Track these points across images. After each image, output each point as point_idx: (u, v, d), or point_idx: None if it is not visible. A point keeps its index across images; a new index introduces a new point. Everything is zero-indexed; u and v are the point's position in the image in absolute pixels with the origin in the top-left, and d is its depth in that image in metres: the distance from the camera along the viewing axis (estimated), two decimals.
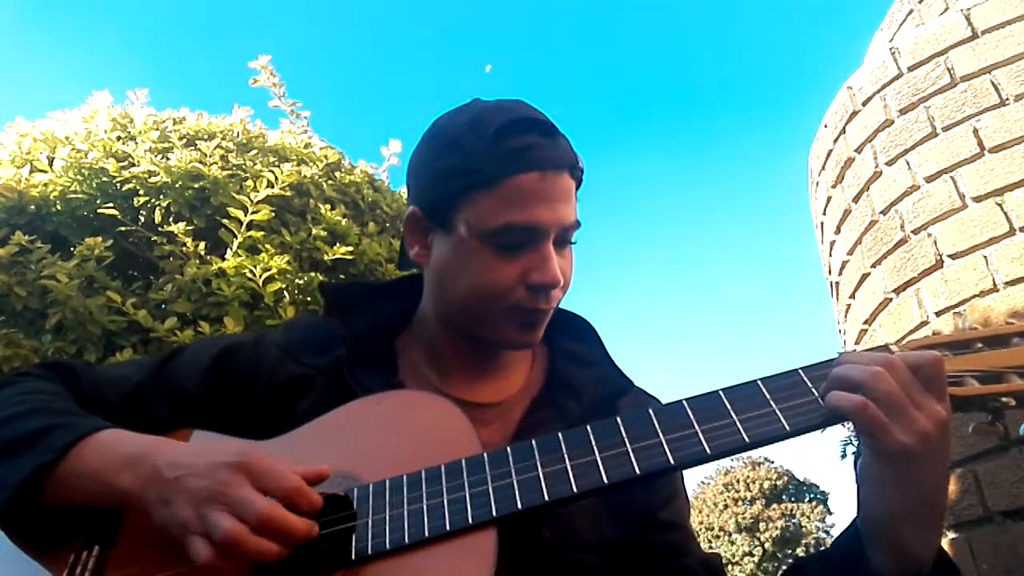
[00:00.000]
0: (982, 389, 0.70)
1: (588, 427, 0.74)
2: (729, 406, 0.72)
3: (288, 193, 2.51)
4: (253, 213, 2.33)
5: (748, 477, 26.53)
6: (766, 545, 25.08)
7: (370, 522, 0.72)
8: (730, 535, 25.67)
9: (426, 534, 0.69)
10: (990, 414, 0.72)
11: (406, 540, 0.69)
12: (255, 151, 2.69)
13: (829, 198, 2.80)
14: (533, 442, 0.74)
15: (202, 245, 2.29)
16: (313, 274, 2.36)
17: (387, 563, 0.70)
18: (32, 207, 2.35)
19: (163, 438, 0.78)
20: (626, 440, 0.72)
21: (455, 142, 0.85)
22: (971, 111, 2.26)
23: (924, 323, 2.23)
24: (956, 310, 2.14)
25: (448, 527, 0.69)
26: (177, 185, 2.37)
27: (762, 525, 25.41)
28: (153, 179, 2.37)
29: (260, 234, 2.35)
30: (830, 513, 26.42)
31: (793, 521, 25.80)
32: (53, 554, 0.77)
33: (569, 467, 0.71)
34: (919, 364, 0.68)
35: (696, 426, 0.71)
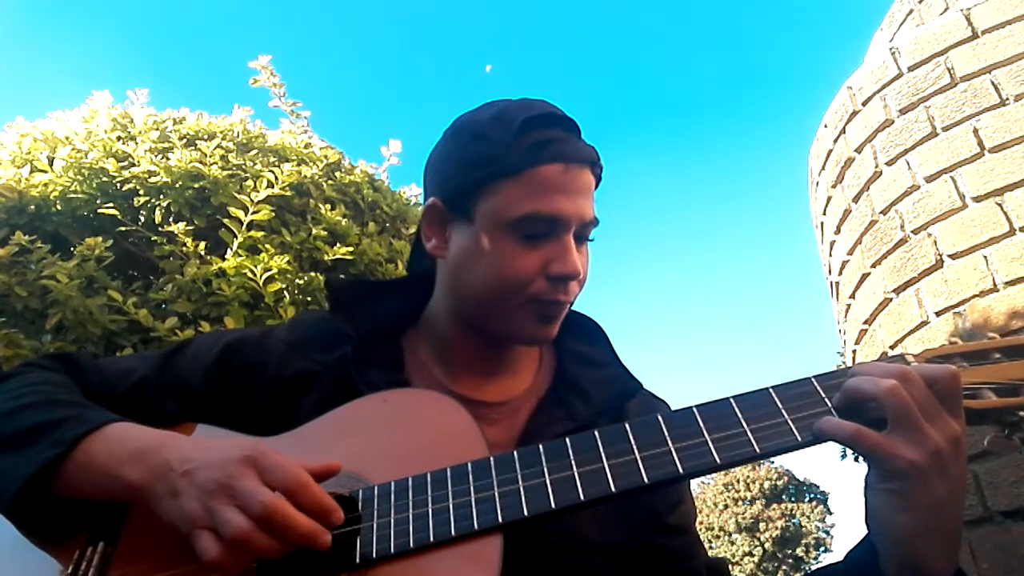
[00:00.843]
0: (999, 402, 0.68)
1: (596, 433, 0.73)
2: (740, 415, 0.70)
3: (288, 193, 2.51)
4: (253, 213, 2.33)
5: (748, 477, 26.53)
6: (766, 545, 25.08)
7: (375, 525, 0.71)
8: (730, 535, 25.67)
9: (431, 539, 0.69)
10: (1007, 428, 0.69)
11: (411, 545, 0.69)
12: (255, 151, 2.69)
13: (829, 198, 2.81)
14: (540, 447, 0.74)
15: (202, 245, 2.29)
16: (313, 274, 2.36)
17: (392, 567, 0.69)
18: (32, 207, 2.35)
19: (171, 432, 0.77)
20: (635, 448, 0.71)
21: (480, 134, 0.86)
22: (971, 111, 2.26)
23: (924, 323, 2.23)
24: (956, 310, 2.14)
25: (453, 532, 0.69)
26: (177, 185, 2.37)
27: (762, 525, 25.41)
28: (153, 179, 2.37)
29: (260, 234, 2.35)
30: (830, 513, 26.44)
31: (793, 521, 25.80)
32: (59, 546, 0.77)
33: (576, 474, 0.70)
34: (935, 378, 0.66)
35: (706, 435, 0.70)
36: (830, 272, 2.96)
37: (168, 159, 2.44)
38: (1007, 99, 2.21)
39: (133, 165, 2.42)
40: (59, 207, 2.36)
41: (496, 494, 0.70)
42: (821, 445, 0.69)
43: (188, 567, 0.69)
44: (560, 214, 0.83)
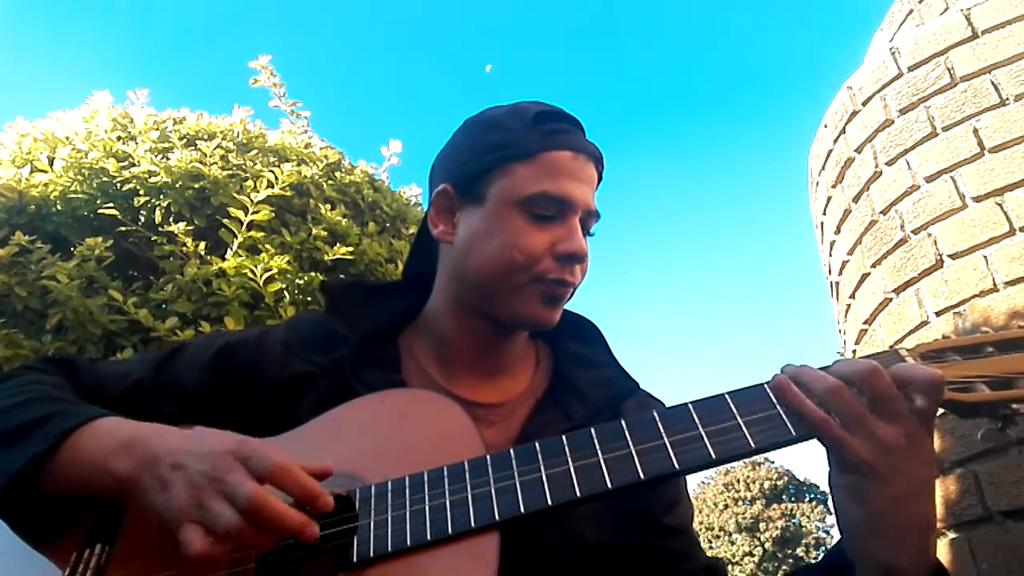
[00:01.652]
0: (992, 395, 0.68)
1: (592, 430, 0.74)
2: (735, 409, 0.71)
3: (288, 193, 2.51)
4: (253, 213, 2.33)
5: (748, 477, 26.52)
6: (766, 545, 25.07)
7: (372, 523, 0.71)
8: (730, 535, 25.66)
9: (428, 537, 0.69)
10: (1000, 420, 0.69)
11: (408, 543, 0.69)
12: (255, 151, 2.69)
13: (829, 198, 2.81)
14: (536, 444, 0.74)
15: (202, 245, 2.29)
16: (313, 274, 2.36)
17: (388, 565, 0.69)
18: (32, 207, 2.35)
19: (161, 425, 0.77)
20: (630, 443, 0.71)
21: (495, 125, 0.92)
22: (971, 111, 2.26)
23: (924, 323, 2.23)
24: (956, 310, 2.14)
25: (450, 530, 0.69)
26: (177, 185, 2.37)
27: (762, 525, 25.40)
28: (153, 179, 2.37)
29: (260, 234, 2.35)
30: (830, 513, 26.39)
31: (793, 521, 25.79)
32: (56, 547, 0.77)
33: (573, 470, 0.71)
34: (911, 379, 0.67)
35: (701, 429, 0.70)
36: (830, 272, 2.96)
37: (168, 159, 2.44)
38: (1007, 99, 2.21)
39: (133, 165, 2.42)
40: (59, 207, 2.36)
41: (493, 491, 0.70)
42: (816, 441, 0.69)
43: (188, 566, 0.69)
44: (569, 196, 0.87)
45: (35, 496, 0.75)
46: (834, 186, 2.74)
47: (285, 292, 2.28)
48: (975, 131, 2.23)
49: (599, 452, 0.72)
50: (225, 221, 2.34)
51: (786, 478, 26.90)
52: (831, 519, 26.47)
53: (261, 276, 2.21)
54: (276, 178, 2.46)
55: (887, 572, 0.67)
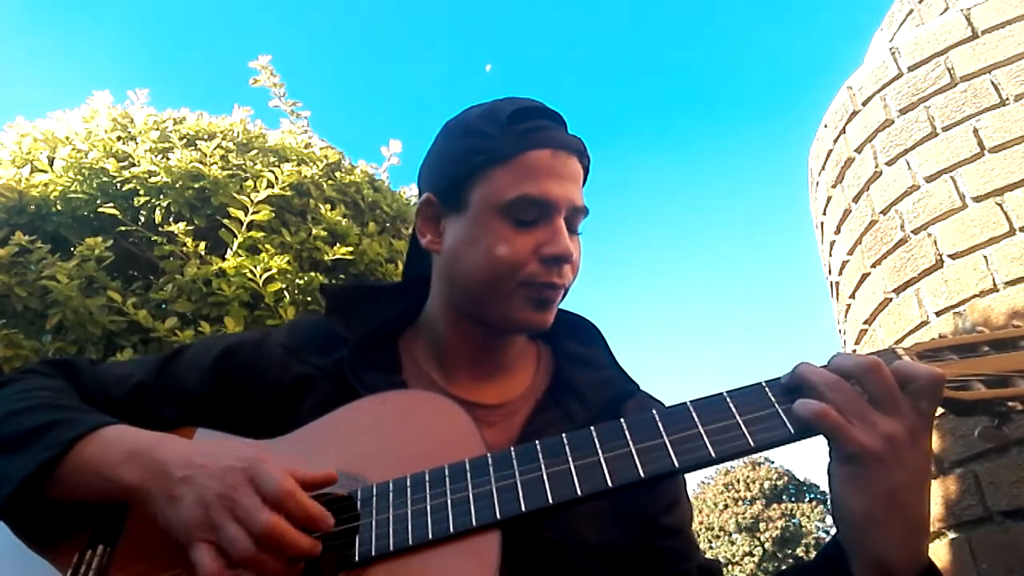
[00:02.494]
0: (988, 393, 0.69)
1: (592, 429, 0.74)
2: (734, 408, 0.71)
3: (288, 193, 2.51)
4: (253, 213, 2.33)
5: (748, 477, 26.52)
6: (766, 545, 25.06)
7: (373, 523, 0.71)
8: (730, 535, 25.66)
9: (429, 536, 0.69)
10: (996, 418, 0.70)
11: (410, 542, 0.69)
12: (255, 151, 2.69)
13: (829, 198, 2.80)
14: (537, 444, 0.74)
15: (202, 245, 2.29)
16: (313, 274, 2.36)
17: (390, 565, 0.69)
18: (32, 207, 2.35)
19: (168, 434, 0.77)
20: (630, 442, 0.71)
21: (470, 129, 0.90)
22: (971, 111, 2.26)
23: (924, 323, 2.23)
24: (956, 310, 2.14)
25: (451, 529, 0.69)
26: (177, 185, 2.37)
27: (762, 525, 25.40)
28: (153, 179, 2.37)
29: (260, 234, 2.35)
30: (830, 513, 26.36)
31: (793, 521, 25.79)
32: (58, 549, 0.77)
33: (573, 469, 0.71)
34: (912, 376, 0.67)
35: (700, 428, 0.71)
36: (830, 272, 2.96)
37: (168, 159, 2.44)
38: (1007, 99, 2.21)
39: (133, 165, 2.42)
40: (59, 207, 2.36)
41: (494, 490, 0.71)
42: (817, 439, 0.69)
43: (189, 569, 0.69)
44: (549, 197, 0.85)
45: (40, 502, 0.75)
46: (834, 186, 2.74)
47: (285, 292, 2.28)
48: (975, 131, 2.23)
49: (599, 451, 0.72)
50: (225, 221, 2.34)
51: (786, 478, 26.89)
52: (831, 519, 26.30)
53: (261, 276, 2.21)
54: (276, 178, 2.46)
55: (880, 565, 0.67)
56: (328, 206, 2.59)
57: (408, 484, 0.73)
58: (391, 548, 0.69)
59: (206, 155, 2.49)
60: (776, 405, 0.70)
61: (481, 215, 0.86)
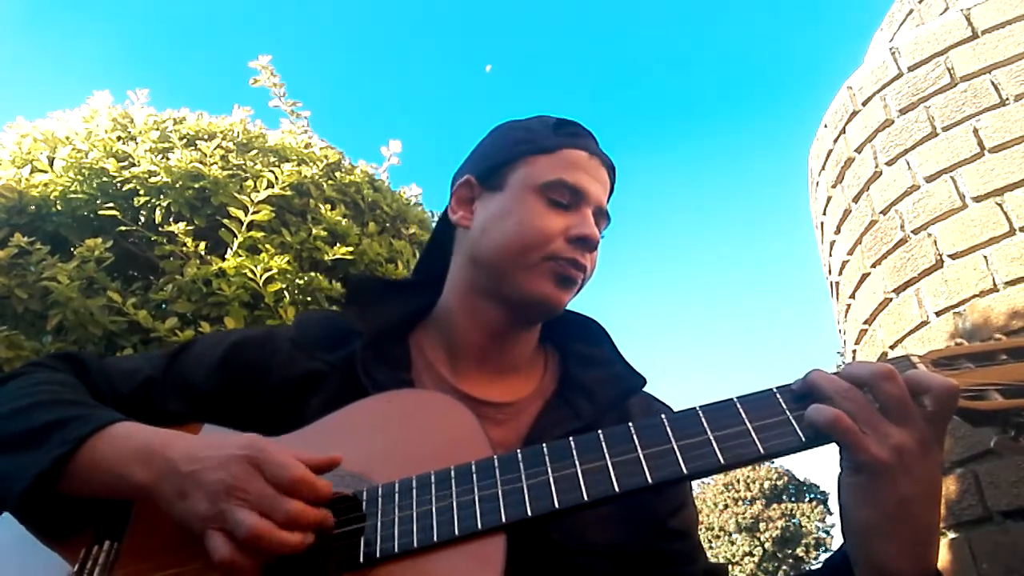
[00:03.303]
0: (1005, 403, 0.67)
1: (600, 433, 0.73)
2: (744, 415, 0.70)
3: (288, 193, 2.51)
4: (253, 213, 2.33)
5: (748, 477, 26.52)
6: (766, 545, 25.07)
7: (379, 524, 0.71)
8: (730, 535, 25.66)
9: (435, 538, 0.69)
10: (1013, 429, 0.68)
11: (415, 544, 0.69)
12: (255, 151, 2.69)
13: (829, 198, 2.81)
14: (544, 447, 0.73)
15: (202, 245, 2.29)
16: (313, 274, 2.36)
17: (395, 566, 0.69)
18: (32, 207, 2.34)
19: (176, 431, 0.78)
20: (639, 447, 0.71)
21: (518, 126, 1.00)
22: (971, 111, 2.26)
23: (924, 323, 2.23)
24: (956, 310, 2.14)
25: (457, 532, 0.68)
26: (177, 185, 2.37)
27: (762, 525, 25.41)
28: (153, 179, 2.37)
29: (260, 234, 2.35)
30: (830, 513, 26.40)
31: (793, 521, 25.80)
32: (66, 543, 0.77)
33: (580, 474, 0.70)
34: (927, 387, 0.66)
35: (710, 435, 0.70)
36: (830, 272, 2.96)
37: (168, 159, 2.43)
38: (1007, 99, 2.21)
39: (133, 165, 2.42)
40: (59, 207, 2.36)
41: (500, 493, 0.70)
42: (825, 446, 0.69)
43: (195, 564, 0.69)
44: (583, 187, 0.92)
45: (50, 497, 0.75)
46: (834, 186, 2.74)
47: (285, 292, 2.28)
48: (975, 131, 2.23)
49: (607, 456, 0.71)
50: (225, 221, 2.34)
51: (786, 478, 26.90)
52: (831, 519, 26.47)
53: (261, 276, 2.21)
54: (276, 178, 2.46)
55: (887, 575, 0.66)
56: (328, 206, 2.59)
57: (414, 485, 0.73)
58: (396, 550, 0.69)
59: (206, 155, 2.48)
60: (788, 412, 0.69)
61: (518, 192, 0.92)
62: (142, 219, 2.41)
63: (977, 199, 2.17)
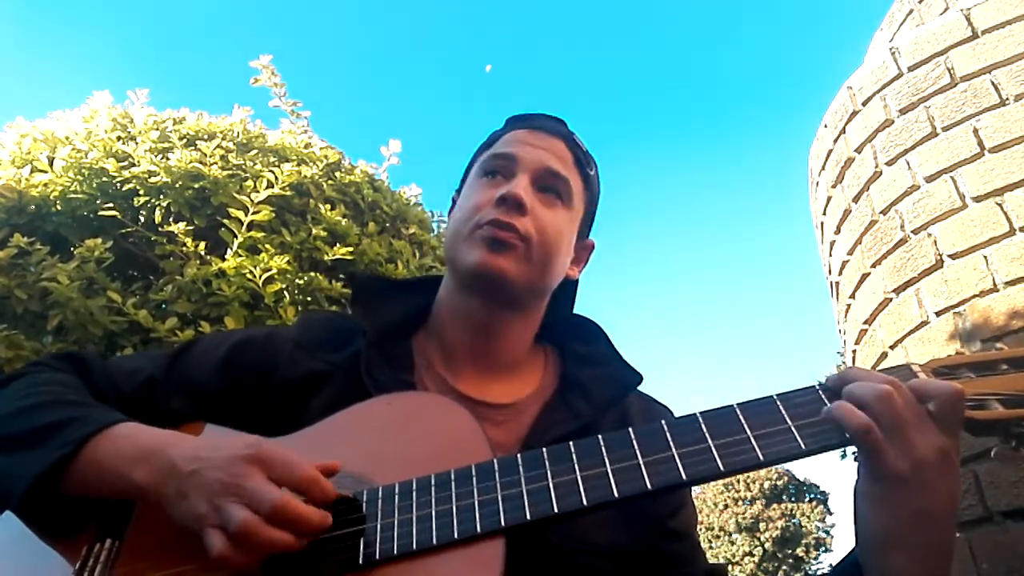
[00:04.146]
0: (1006, 413, 0.67)
1: (600, 438, 0.73)
2: (744, 422, 0.70)
3: (288, 193, 2.51)
4: (253, 213, 2.33)
5: (748, 477, 26.50)
6: (766, 545, 25.07)
7: (379, 526, 0.71)
8: (730, 535, 25.66)
9: (434, 541, 0.69)
10: (1014, 439, 0.68)
11: (414, 546, 0.69)
12: (255, 151, 2.68)
13: (829, 198, 2.81)
14: (544, 451, 0.74)
15: (202, 245, 2.29)
16: (313, 274, 2.35)
17: (394, 568, 0.69)
18: (32, 207, 2.34)
19: (178, 432, 0.78)
20: (638, 453, 0.71)
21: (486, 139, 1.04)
22: (971, 111, 2.26)
23: (924, 323, 2.23)
24: (956, 310, 2.14)
25: (456, 535, 0.69)
26: (177, 185, 2.36)
27: (762, 525, 25.40)
28: (153, 179, 2.37)
29: (260, 234, 2.35)
30: (830, 513, 26.41)
31: (793, 521, 25.79)
32: (67, 542, 0.77)
33: (580, 479, 0.70)
34: (934, 394, 0.66)
35: (710, 441, 0.70)
36: (830, 272, 2.96)
37: (168, 159, 2.43)
38: (1007, 99, 2.21)
39: (133, 165, 2.42)
40: (59, 207, 2.36)
41: (499, 497, 0.70)
42: (824, 453, 0.69)
43: (195, 563, 0.70)
44: (512, 152, 0.95)
45: (52, 497, 0.76)
46: (834, 186, 2.74)
47: (285, 292, 2.28)
48: (975, 131, 2.23)
49: (607, 461, 0.71)
50: (225, 221, 2.34)
51: (786, 478, 26.89)
52: (831, 519, 26.46)
53: (261, 276, 2.21)
54: (276, 178, 2.46)
55: None
56: (328, 206, 2.59)
57: (414, 488, 0.73)
58: (395, 552, 0.69)
59: (206, 155, 2.48)
60: (788, 420, 0.69)
61: (469, 185, 0.99)
62: (142, 219, 2.41)
63: (977, 199, 2.17)
